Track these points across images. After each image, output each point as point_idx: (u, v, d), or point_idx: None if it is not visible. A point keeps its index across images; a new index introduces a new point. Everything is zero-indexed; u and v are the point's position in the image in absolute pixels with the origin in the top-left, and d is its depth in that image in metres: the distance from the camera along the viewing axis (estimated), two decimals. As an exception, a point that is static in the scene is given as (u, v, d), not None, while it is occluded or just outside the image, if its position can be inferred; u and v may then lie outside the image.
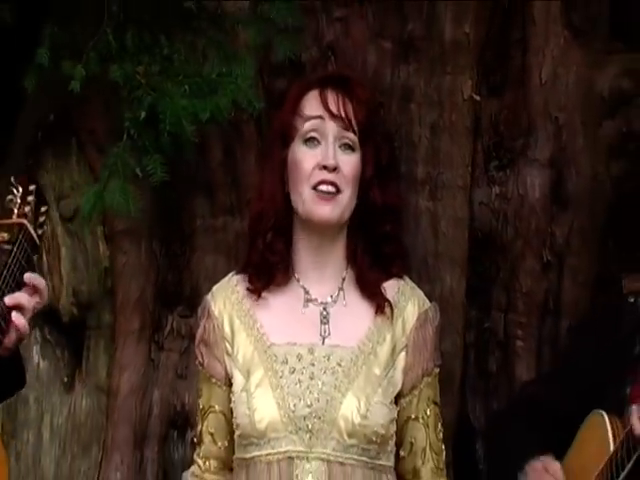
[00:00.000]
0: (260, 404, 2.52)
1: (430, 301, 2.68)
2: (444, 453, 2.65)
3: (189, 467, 3.18)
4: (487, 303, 3.55)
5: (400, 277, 2.65)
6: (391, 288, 2.61)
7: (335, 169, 2.52)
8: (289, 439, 2.51)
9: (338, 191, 2.52)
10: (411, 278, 2.74)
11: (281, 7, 3.23)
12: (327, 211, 2.52)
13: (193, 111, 3.06)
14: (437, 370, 2.63)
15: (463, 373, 3.48)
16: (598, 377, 2.80)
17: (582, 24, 3.55)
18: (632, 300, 2.83)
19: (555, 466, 2.76)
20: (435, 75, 3.44)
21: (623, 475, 2.60)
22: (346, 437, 2.50)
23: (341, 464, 2.51)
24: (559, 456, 2.82)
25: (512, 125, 3.52)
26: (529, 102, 3.48)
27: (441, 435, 2.63)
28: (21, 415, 3.40)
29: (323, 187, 2.51)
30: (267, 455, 2.52)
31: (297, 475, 2.50)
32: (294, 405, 2.51)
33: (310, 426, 2.50)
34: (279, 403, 2.51)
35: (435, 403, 2.62)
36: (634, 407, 2.54)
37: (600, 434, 2.70)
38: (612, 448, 2.66)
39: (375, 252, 2.60)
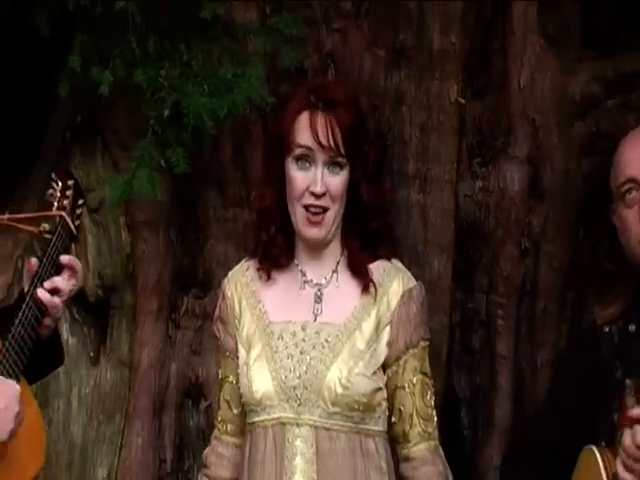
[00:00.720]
0: (257, 376, 2.60)
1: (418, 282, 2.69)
2: (434, 419, 2.66)
3: (203, 433, 3.40)
4: (471, 286, 3.63)
5: (388, 259, 2.67)
6: (378, 269, 2.64)
7: (323, 194, 2.56)
8: (281, 407, 2.58)
9: (325, 210, 2.57)
10: (402, 263, 2.75)
11: (288, 20, 3.33)
12: (315, 232, 2.59)
13: (212, 108, 3.14)
14: (424, 343, 2.65)
15: (449, 349, 3.54)
16: (586, 405, 2.76)
17: (556, 34, 3.60)
18: (607, 330, 2.77)
19: None
20: (424, 80, 3.51)
21: None
22: (330, 405, 2.56)
23: (327, 429, 2.57)
24: None
25: (493, 125, 3.60)
26: (509, 105, 3.56)
27: (431, 402, 2.65)
28: (52, 386, 3.40)
29: (312, 209, 2.57)
30: (263, 421, 2.60)
31: (288, 439, 2.57)
32: (285, 377, 2.58)
33: (299, 395, 2.57)
34: (273, 375, 2.59)
35: (423, 373, 2.63)
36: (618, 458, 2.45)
37: (593, 471, 2.64)
38: None
39: (364, 238, 2.65)
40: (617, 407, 2.57)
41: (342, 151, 2.55)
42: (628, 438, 2.37)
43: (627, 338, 2.67)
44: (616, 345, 2.68)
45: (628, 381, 2.53)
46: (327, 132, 2.55)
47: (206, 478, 2.73)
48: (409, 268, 2.80)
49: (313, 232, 2.57)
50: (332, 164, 2.58)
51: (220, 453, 2.71)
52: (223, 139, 3.44)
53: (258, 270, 2.66)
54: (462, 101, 3.53)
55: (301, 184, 2.56)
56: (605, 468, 2.53)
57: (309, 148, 2.55)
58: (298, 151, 2.57)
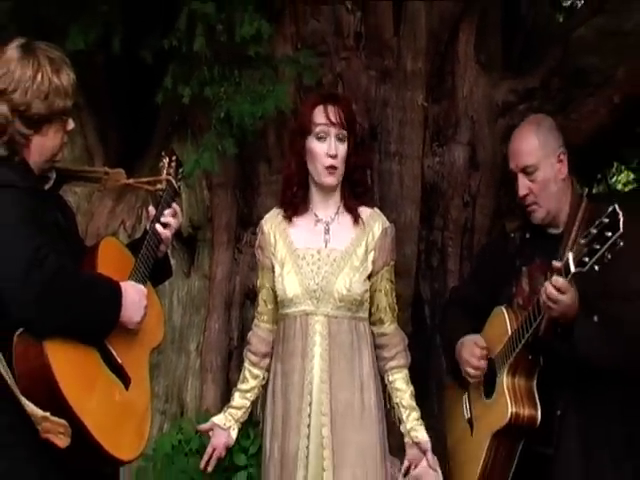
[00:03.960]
0: (289, 284, 3.06)
1: (395, 224, 3.21)
2: (396, 311, 3.14)
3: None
4: (431, 226, 4.27)
5: (371, 207, 3.14)
6: (365, 213, 3.11)
7: (335, 156, 3.02)
8: (306, 303, 3.04)
9: (336, 168, 3.03)
10: (386, 211, 3.25)
11: (307, 54, 4.07)
12: (331, 180, 3.05)
13: (251, 111, 3.77)
14: (392, 262, 3.13)
15: (417, 267, 4.22)
16: (496, 280, 3.19)
17: (486, 62, 4.34)
18: (512, 235, 3.22)
19: (479, 338, 3.17)
20: (401, 91, 4.19)
21: (521, 345, 2.95)
22: (338, 302, 3.03)
23: (335, 317, 3.03)
24: (477, 332, 3.20)
25: (446, 121, 4.26)
26: (456, 107, 4.24)
27: (394, 299, 3.13)
28: (160, 290, 3.47)
29: (329, 168, 3.03)
30: (294, 312, 3.06)
31: (310, 323, 3.02)
32: (308, 284, 3.03)
33: (318, 296, 3.03)
34: (300, 282, 3.04)
35: (391, 281, 3.13)
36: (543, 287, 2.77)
37: (500, 322, 3.08)
38: (509, 330, 3.02)
39: (352, 190, 3.12)
40: (515, 285, 3.15)
41: (345, 126, 3.03)
42: (549, 287, 2.78)
43: (524, 241, 3.22)
44: (517, 245, 3.22)
45: (524, 268, 3.13)
46: (335, 114, 3.05)
47: (249, 352, 3.19)
48: (390, 214, 3.46)
49: (330, 179, 3.05)
50: (339, 138, 3.04)
51: (259, 335, 3.17)
52: (269, 131, 4.15)
53: (283, 216, 3.12)
54: (426, 105, 4.18)
55: (321, 150, 3.03)
56: (509, 320, 3.05)
57: (325, 124, 3.02)
58: (318, 129, 3.03)
